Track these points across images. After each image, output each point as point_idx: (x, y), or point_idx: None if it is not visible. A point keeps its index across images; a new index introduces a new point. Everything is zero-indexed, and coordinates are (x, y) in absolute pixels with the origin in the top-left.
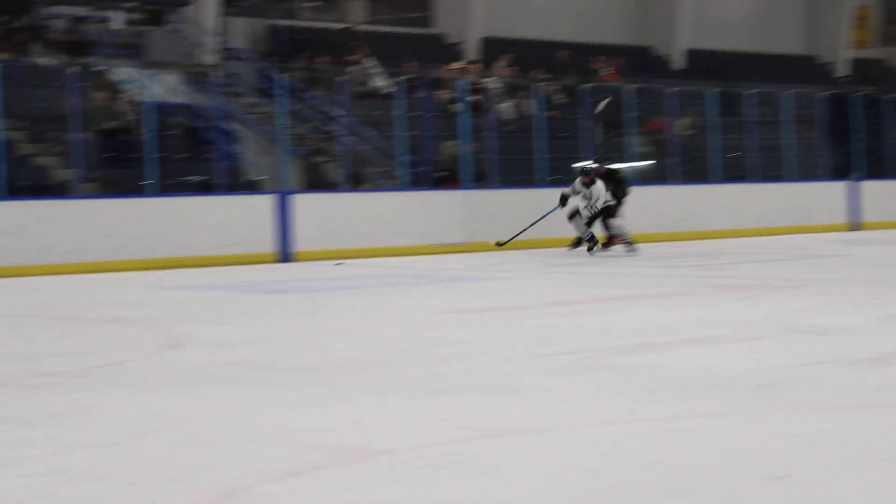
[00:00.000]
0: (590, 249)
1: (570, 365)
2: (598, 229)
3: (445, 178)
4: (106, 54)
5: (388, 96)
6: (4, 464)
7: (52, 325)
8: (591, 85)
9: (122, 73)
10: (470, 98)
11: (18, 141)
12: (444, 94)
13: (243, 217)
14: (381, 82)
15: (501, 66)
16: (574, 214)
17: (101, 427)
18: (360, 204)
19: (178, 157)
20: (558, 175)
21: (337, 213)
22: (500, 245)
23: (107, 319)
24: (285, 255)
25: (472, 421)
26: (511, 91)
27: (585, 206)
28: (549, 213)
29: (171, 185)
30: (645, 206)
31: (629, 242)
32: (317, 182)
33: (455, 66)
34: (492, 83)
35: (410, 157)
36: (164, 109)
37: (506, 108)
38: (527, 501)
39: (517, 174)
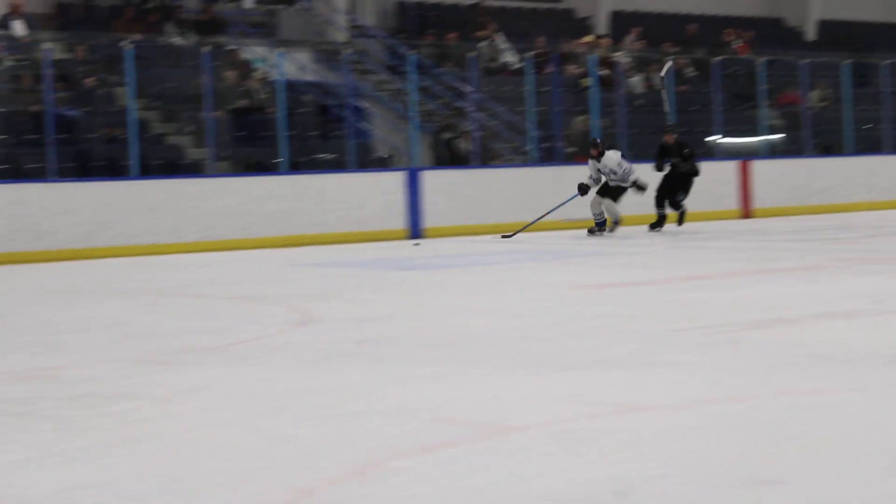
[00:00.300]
0: (601, 229)
1: (701, 340)
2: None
3: (575, 153)
4: (237, 33)
5: (518, 72)
6: (142, 439)
7: (186, 302)
8: (721, 58)
9: (254, 51)
10: (599, 72)
11: (151, 120)
12: (573, 69)
13: (373, 194)
14: (510, 58)
15: (631, 39)
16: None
17: (235, 403)
18: (489, 180)
19: (308, 134)
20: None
21: (466, 189)
22: (505, 238)
23: (239, 297)
24: (415, 231)
25: (603, 396)
26: (641, 65)
27: (609, 180)
28: (567, 202)
29: (303, 163)
30: (777, 179)
31: (615, 223)
32: (446, 158)
33: (584, 40)
34: (621, 57)
35: (540, 132)
36: (294, 87)
37: (635, 82)
38: (660, 477)
39: (647, 149)
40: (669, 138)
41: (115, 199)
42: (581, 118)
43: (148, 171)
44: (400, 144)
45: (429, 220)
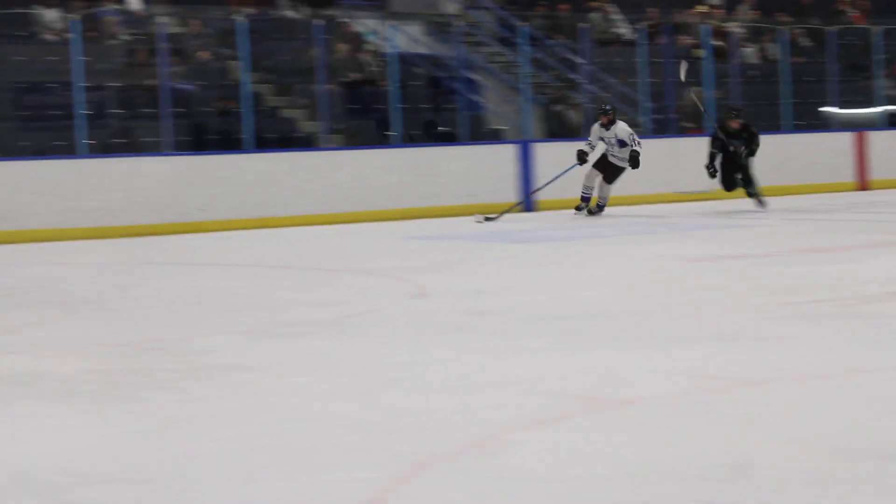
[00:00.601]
0: (580, 209)
1: (817, 313)
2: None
3: (688, 125)
4: (349, 6)
5: (630, 43)
6: (258, 411)
7: (301, 275)
8: (837, 27)
9: (365, 24)
10: (713, 43)
11: (265, 94)
12: (686, 40)
13: (486, 166)
14: (622, 29)
15: (745, 9)
16: (606, 170)
17: (350, 376)
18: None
19: (421, 107)
20: (803, 121)
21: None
22: (489, 219)
23: (353, 270)
24: (528, 204)
25: (717, 370)
26: (755, 35)
27: (613, 153)
28: (565, 172)
29: (415, 136)
30: (895, 149)
31: (600, 207)
32: (558, 130)
33: (697, 10)
34: (735, 27)
35: (653, 104)
36: (406, 60)
37: (749, 52)
38: (777, 452)
39: (761, 120)
40: (734, 123)
41: (229, 172)
42: (694, 90)
43: (262, 144)
44: (511, 117)
45: (540, 192)
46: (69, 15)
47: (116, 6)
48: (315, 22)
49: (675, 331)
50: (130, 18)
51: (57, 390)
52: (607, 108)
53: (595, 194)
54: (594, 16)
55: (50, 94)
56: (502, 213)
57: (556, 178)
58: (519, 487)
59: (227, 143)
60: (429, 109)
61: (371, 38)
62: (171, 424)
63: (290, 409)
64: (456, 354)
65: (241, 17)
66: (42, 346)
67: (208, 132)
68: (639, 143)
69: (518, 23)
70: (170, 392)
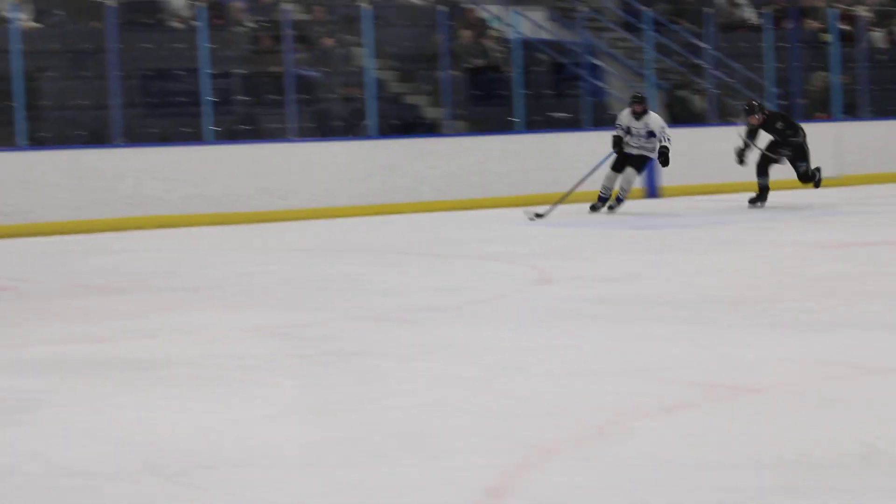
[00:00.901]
0: (611, 207)
1: None
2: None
3: (815, 110)
4: None
5: (756, 27)
6: (383, 396)
7: (425, 261)
8: None
9: (489, 10)
10: (840, 27)
11: (389, 80)
12: (812, 24)
13: (608, 152)
14: (747, 13)
15: None
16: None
17: (473, 361)
18: (727, 137)
19: (544, 93)
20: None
21: (703, 147)
22: (539, 216)
23: (477, 256)
24: (651, 190)
25: (846, 358)
26: (883, 19)
27: (638, 146)
28: (602, 162)
29: (538, 122)
30: None
31: (620, 200)
32: (682, 116)
33: None
34: (862, 11)
35: (778, 89)
36: (530, 46)
37: (877, 36)
38: None
39: (889, 105)
40: (753, 119)
41: (353, 158)
42: (821, 74)
43: (385, 130)
44: None
45: (665, 178)
46: (196, 2)
47: None
48: (439, 8)
49: (804, 318)
50: (256, 5)
51: (184, 375)
52: (642, 96)
53: (616, 186)
54: (719, 1)
55: (176, 81)
56: (553, 206)
57: (593, 171)
58: (645, 475)
59: (351, 129)
60: (552, 95)
61: (495, 23)
62: (297, 409)
63: (414, 394)
64: (580, 341)
65: (365, 4)
66: (169, 332)
67: (332, 118)
68: (669, 138)
69: (642, 7)
70: (295, 377)
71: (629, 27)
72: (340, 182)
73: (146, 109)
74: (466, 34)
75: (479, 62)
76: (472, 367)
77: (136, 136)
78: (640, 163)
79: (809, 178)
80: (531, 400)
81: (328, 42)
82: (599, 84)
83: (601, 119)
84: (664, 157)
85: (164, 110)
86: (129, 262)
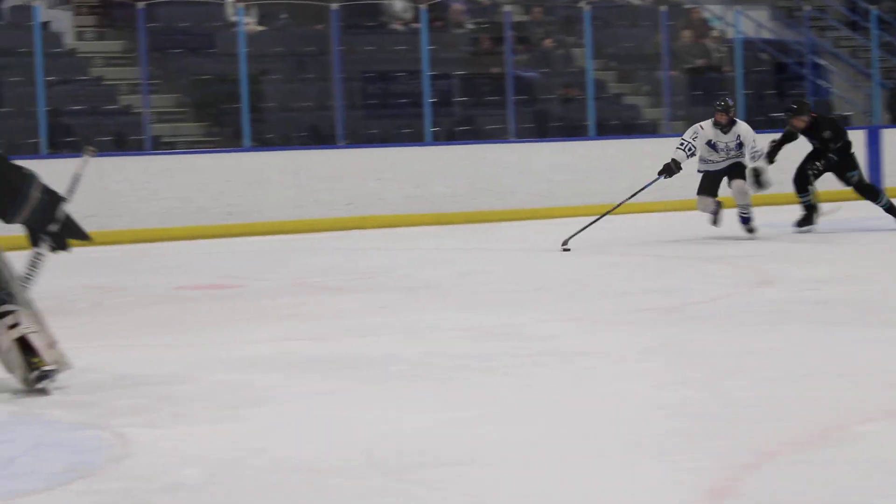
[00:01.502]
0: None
1: None
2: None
3: None
4: None
5: None
6: (602, 398)
7: (642, 262)
8: None
9: (711, 10)
10: None
11: (608, 81)
12: None
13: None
14: None
15: None
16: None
17: (693, 363)
18: None
19: (765, 93)
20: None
21: None
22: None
23: (694, 257)
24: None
25: None
26: None
27: (730, 158)
28: (646, 187)
29: (759, 122)
30: None
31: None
32: None
33: None
34: None
35: None
36: (751, 46)
37: None
38: None
39: None
40: (798, 122)
41: (572, 158)
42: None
43: (604, 131)
44: (859, 102)
45: (889, 179)
46: (418, 5)
47: None
48: (660, 8)
49: None
50: (476, 7)
51: (402, 373)
52: (730, 102)
53: (740, 202)
54: None
55: (397, 83)
56: (581, 229)
57: (631, 197)
58: (866, 480)
59: (570, 129)
60: (773, 95)
61: (716, 23)
62: (514, 409)
63: (631, 396)
64: (800, 343)
65: (585, 5)
66: (388, 330)
67: (551, 119)
68: (757, 151)
69: (868, 6)
70: (512, 377)
71: (853, 26)
72: (559, 182)
73: (367, 111)
74: (687, 34)
75: (700, 62)
76: (693, 368)
77: (358, 137)
78: (742, 173)
79: (868, 187)
80: (751, 402)
81: (548, 43)
82: (823, 83)
83: None
84: (758, 179)
85: (384, 111)
86: (350, 262)
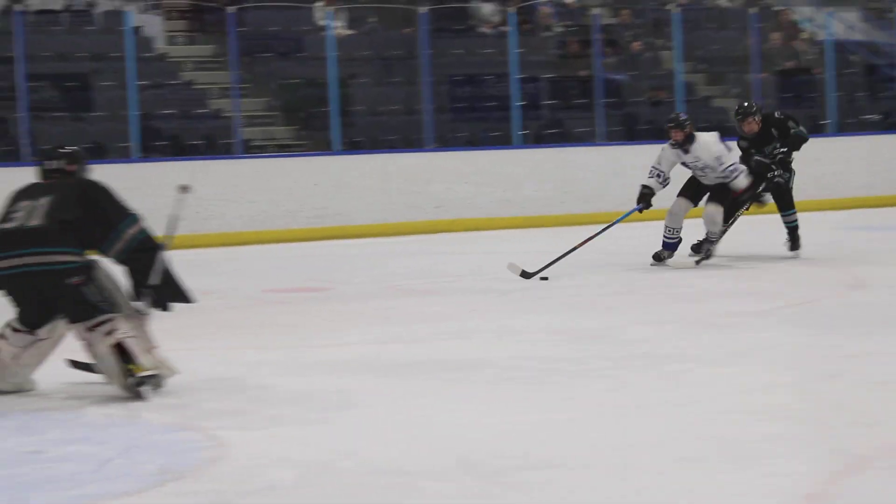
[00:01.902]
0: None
1: None
2: None
3: None
4: None
5: None
6: (695, 401)
7: (731, 265)
8: None
9: (801, 12)
10: None
11: (697, 83)
12: None
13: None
14: None
15: None
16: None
17: (785, 367)
18: None
19: (857, 95)
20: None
21: None
22: (525, 276)
23: (787, 259)
24: None
25: None
26: None
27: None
28: (618, 221)
29: (850, 125)
30: None
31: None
32: None
33: None
34: None
35: None
36: (842, 47)
37: None
38: None
39: None
40: (749, 126)
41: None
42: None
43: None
44: None
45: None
46: (506, 8)
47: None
48: (750, 10)
49: None
50: (564, 10)
51: (494, 376)
52: (682, 118)
53: (709, 228)
54: None
55: (485, 86)
56: (547, 265)
57: (602, 231)
58: None
59: (659, 132)
60: (865, 97)
61: (806, 25)
62: (608, 412)
63: (725, 399)
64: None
65: (674, 7)
66: (479, 333)
67: (640, 122)
68: (730, 165)
69: None
70: (604, 380)
71: None
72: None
73: (456, 114)
74: (777, 36)
75: (790, 64)
76: (786, 372)
77: (446, 141)
78: (727, 198)
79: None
80: (847, 407)
81: (636, 46)
82: None
83: None
84: (758, 198)
85: (473, 115)
86: (439, 265)
